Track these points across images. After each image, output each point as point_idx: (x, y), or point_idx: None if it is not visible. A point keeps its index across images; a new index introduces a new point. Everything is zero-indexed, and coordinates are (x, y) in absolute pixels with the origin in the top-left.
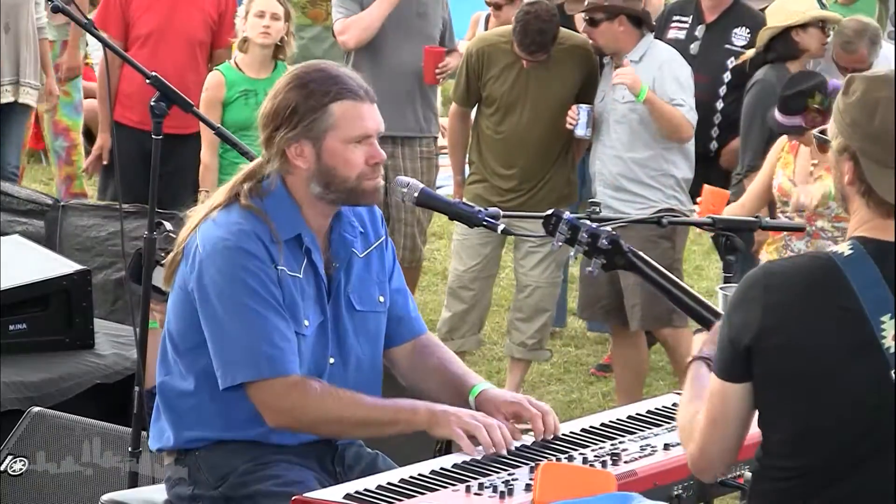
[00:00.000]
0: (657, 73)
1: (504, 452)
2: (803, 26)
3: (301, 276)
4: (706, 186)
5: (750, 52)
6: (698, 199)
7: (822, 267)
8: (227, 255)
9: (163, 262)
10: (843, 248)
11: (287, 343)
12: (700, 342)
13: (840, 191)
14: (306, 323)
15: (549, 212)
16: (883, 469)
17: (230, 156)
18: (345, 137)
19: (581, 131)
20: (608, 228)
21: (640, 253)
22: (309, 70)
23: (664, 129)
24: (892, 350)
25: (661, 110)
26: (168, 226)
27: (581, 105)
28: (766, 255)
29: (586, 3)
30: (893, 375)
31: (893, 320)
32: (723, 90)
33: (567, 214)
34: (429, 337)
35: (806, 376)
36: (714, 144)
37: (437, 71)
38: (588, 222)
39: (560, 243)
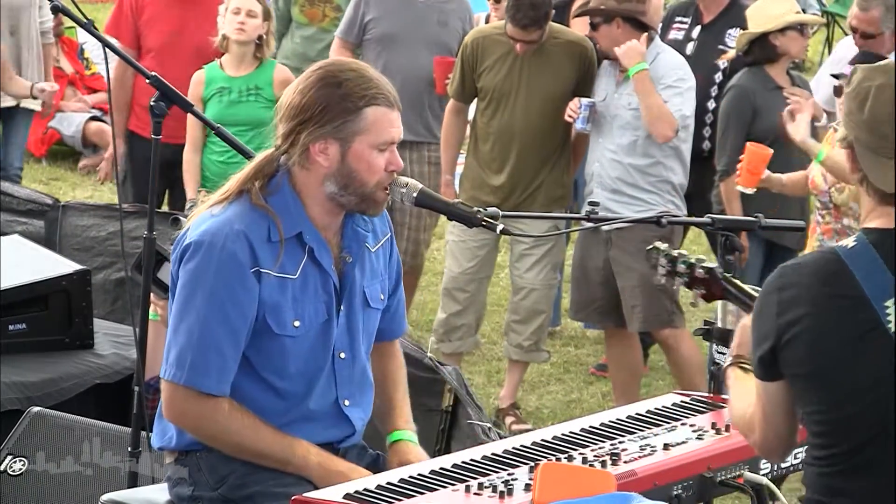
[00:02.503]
0: (662, 87)
1: None
2: (782, 30)
3: (296, 276)
4: (748, 145)
5: (731, 53)
6: (740, 158)
7: (827, 261)
8: (206, 252)
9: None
10: (849, 241)
11: (221, 359)
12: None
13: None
14: (296, 324)
15: (650, 246)
16: None
17: (215, 156)
18: (373, 142)
19: (581, 125)
20: (702, 259)
21: (736, 281)
22: (343, 69)
23: (645, 114)
24: None
25: (648, 93)
26: (185, 221)
27: (583, 98)
28: (808, 250)
29: (588, 6)
30: None
31: None
32: (714, 90)
33: (662, 245)
34: (396, 343)
35: (823, 367)
36: (707, 144)
37: (448, 82)
38: (685, 253)
39: (662, 278)
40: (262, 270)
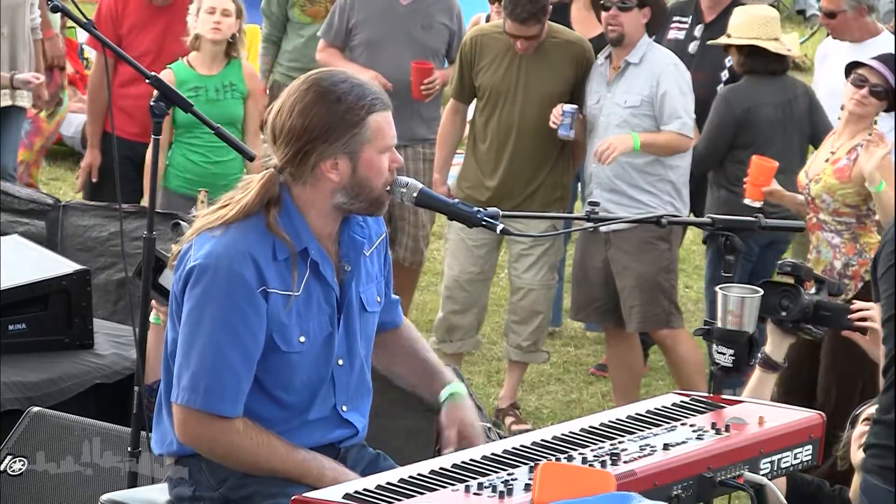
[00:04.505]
0: (659, 80)
1: None
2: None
3: (300, 292)
4: (754, 158)
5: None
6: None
7: None
8: (212, 275)
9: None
10: None
11: (235, 381)
12: None
13: None
14: (302, 339)
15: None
16: None
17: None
18: (380, 147)
19: (563, 132)
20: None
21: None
22: (335, 81)
23: (664, 152)
24: None
25: (657, 144)
26: (185, 226)
27: (566, 106)
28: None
29: None
30: None
31: None
32: (720, 89)
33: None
34: (402, 326)
35: None
36: None
37: (423, 87)
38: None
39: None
40: (269, 290)
